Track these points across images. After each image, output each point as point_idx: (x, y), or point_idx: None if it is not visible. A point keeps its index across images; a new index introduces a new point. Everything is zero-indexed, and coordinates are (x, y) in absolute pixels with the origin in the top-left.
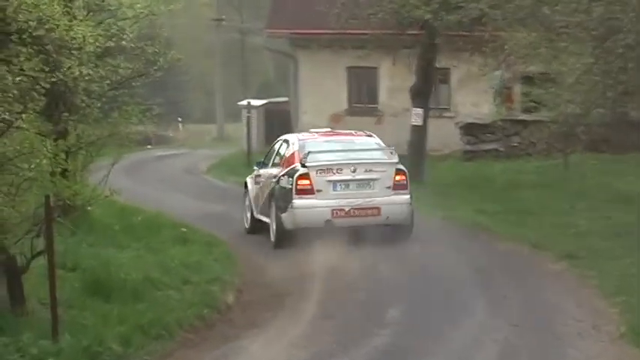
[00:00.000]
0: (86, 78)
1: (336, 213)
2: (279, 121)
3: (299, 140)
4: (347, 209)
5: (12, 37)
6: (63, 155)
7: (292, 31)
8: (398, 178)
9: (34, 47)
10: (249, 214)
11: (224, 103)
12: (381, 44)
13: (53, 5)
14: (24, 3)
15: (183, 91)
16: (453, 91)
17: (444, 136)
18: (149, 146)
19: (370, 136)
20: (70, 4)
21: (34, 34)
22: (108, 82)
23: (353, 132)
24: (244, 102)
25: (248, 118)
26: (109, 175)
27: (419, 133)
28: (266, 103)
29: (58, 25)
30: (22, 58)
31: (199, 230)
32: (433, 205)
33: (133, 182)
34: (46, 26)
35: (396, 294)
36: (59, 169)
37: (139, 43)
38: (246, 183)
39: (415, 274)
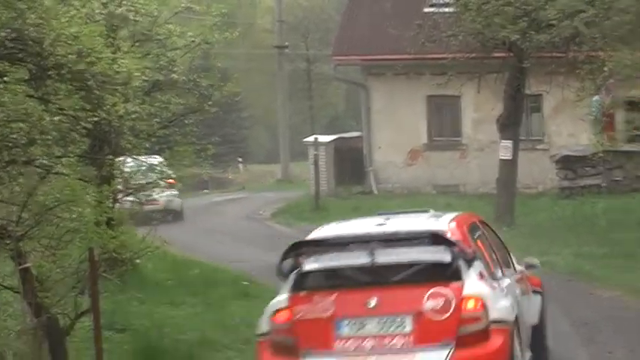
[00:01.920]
0: (132, 116)
1: None
2: (350, 159)
3: None
4: None
5: (49, 72)
6: (108, 202)
7: (363, 57)
8: None
9: (74, 83)
10: None
11: (289, 141)
12: (464, 70)
13: (95, 36)
14: (62, 35)
15: (243, 129)
16: (546, 120)
17: (537, 170)
18: (206, 190)
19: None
20: (113, 35)
21: (73, 68)
22: (157, 119)
23: None
24: (311, 138)
25: (315, 156)
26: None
27: (508, 168)
28: (336, 139)
29: (100, 59)
30: (60, 96)
31: (263, 284)
32: (525, 248)
33: (187, 231)
34: (87, 60)
35: None
36: (104, 219)
37: (191, 75)
38: None
39: None
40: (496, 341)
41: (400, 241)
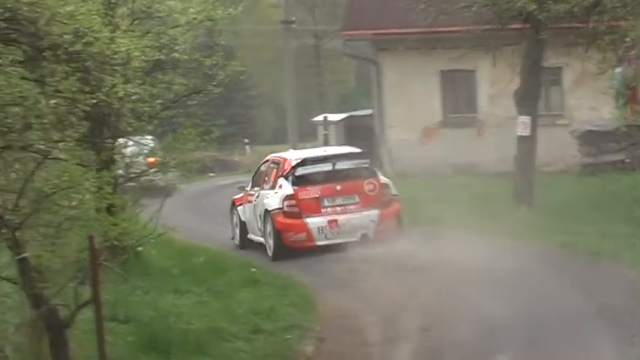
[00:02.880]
0: (133, 97)
1: None
2: (361, 138)
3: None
4: None
5: (45, 53)
6: (109, 188)
7: (374, 31)
8: None
9: (71, 64)
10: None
11: (297, 120)
12: (478, 43)
13: (92, 15)
14: (58, 14)
15: (250, 109)
16: (566, 94)
17: (557, 147)
18: (211, 174)
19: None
20: (111, 13)
21: (70, 49)
22: (159, 101)
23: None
24: (320, 117)
25: (325, 136)
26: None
27: (527, 145)
28: (346, 118)
29: (98, 38)
30: (57, 78)
31: (272, 270)
32: (547, 229)
33: (192, 217)
34: (84, 39)
35: (513, 334)
36: (104, 205)
37: (194, 54)
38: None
39: (532, 311)
40: (395, 205)
41: (342, 157)
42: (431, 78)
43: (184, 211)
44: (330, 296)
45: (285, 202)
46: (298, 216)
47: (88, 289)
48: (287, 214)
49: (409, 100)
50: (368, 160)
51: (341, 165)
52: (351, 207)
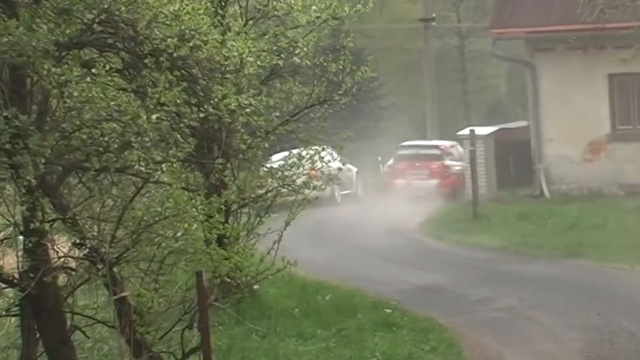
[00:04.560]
0: (247, 110)
1: None
2: (516, 155)
3: None
4: None
5: (146, 60)
6: (219, 216)
7: (528, 29)
8: None
9: (175, 73)
10: None
11: (439, 133)
12: None
13: (199, 15)
14: (160, 14)
15: (382, 121)
16: None
17: None
18: (338, 200)
19: None
20: (221, 12)
21: (174, 55)
22: (277, 114)
23: None
24: (466, 130)
25: (472, 152)
26: (281, 241)
27: None
28: (496, 131)
29: (206, 42)
30: (159, 88)
31: (409, 311)
32: None
33: (316, 249)
34: (190, 43)
35: None
36: (215, 236)
37: (317, 59)
38: None
39: None
40: (452, 177)
41: (423, 147)
42: (597, 83)
43: (305, 240)
44: (476, 340)
45: (389, 168)
46: (396, 177)
47: (197, 333)
48: (389, 175)
49: (571, 110)
50: (438, 149)
51: (423, 151)
52: (423, 176)
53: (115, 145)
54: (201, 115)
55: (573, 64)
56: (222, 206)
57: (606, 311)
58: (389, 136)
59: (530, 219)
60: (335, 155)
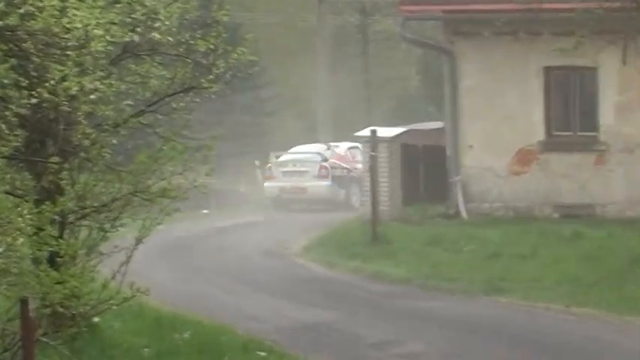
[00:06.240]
0: (92, 96)
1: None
2: (427, 164)
3: None
4: None
5: None
6: (52, 229)
7: (446, 7)
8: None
9: (2, 46)
10: None
11: (333, 134)
12: (601, 28)
13: None
14: None
15: (264, 117)
16: None
17: None
18: (205, 211)
19: None
20: None
21: (0, 23)
22: (130, 102)
23: None
24: (366, 131)
25: (372, 158)
26: (129, 262)
27: None
28: (404, 133)
29: (41, 9)
30: None
31: (288, 355)
32: None
33: (174, 273)
34: (22, 10)
35: None
36: (46, 254)
37: (182, 35)
38: None
39: None
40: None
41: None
42: (530, 78)
43: (162, 264)
44: None
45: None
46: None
47: None
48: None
49: (497, 110)
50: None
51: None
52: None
53: None
54: (34, 100)
55: (501, 53)
56: (57, 217)
57: None
58: (271, 135)
59: (443, 245)
60: None
